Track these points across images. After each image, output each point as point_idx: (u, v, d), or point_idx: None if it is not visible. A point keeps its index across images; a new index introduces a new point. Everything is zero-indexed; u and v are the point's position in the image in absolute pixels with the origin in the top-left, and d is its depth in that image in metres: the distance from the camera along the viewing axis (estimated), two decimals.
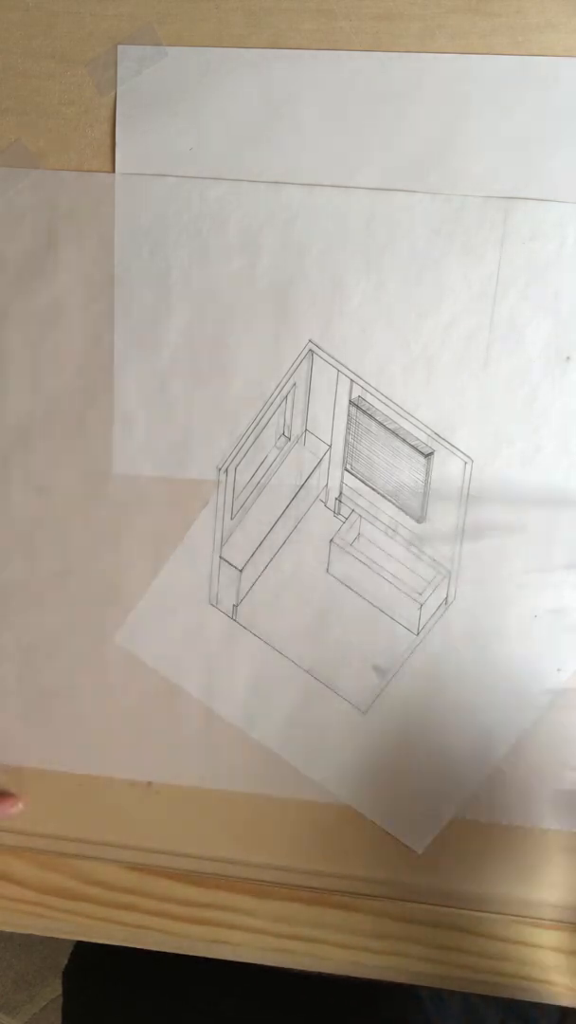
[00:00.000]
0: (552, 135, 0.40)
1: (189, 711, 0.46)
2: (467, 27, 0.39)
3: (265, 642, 0.45)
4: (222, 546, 0.45)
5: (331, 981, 0.52)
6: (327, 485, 0.44)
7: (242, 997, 0.55)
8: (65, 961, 0.65)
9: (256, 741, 0.46)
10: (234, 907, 0.47)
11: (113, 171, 0.41)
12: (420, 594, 0.44)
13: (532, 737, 0.45)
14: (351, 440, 0.43)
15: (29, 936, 1.17)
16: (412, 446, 0.43)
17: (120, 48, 0.40)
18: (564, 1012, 0.58)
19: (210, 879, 0.47)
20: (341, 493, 0.44)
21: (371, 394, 0.43)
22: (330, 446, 0.44)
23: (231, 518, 0.44)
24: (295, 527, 0.44)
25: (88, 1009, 0.59)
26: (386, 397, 0.43)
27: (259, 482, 0.44)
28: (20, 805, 0.47)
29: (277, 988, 0.54)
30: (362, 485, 0.44)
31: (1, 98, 0.42)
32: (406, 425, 0.43)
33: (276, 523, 0.44)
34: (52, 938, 0.50)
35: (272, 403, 0.43)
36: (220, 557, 0.45)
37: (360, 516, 0.44)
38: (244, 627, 0.45)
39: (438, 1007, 0.56)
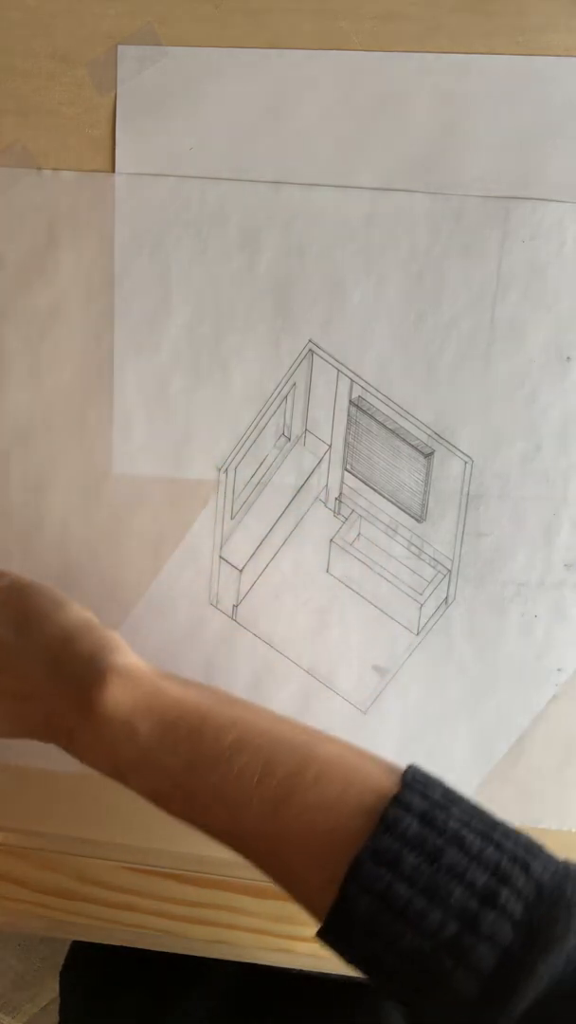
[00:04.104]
0: (552, 135, 0.40)
1: None
2: (467, 27, 0.39)
3: (265, 642, 0.45)
4: (222, 546, 0.45)
5: (328, 981, 0.52)
6: (327, 485, 0.44)
7: (238, 995, 0.54)
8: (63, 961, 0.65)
9: None
10: (234, 907, 0.47)
11: (113, 171, 0.41)
12: (420, 594, 0.44)
13: (532, 737, 0.45)
14: (351, 440, 0.43)
15: (29, 936, 1.17)
16: (412, 446, 0.43)
17: (120, 48, 0.40)
18: None
19: (210, 879, 0.47)
20: (341, 493, 0.44)
21: (371, 394, 0.43)
22: (330, 446, 0.44)
23: (231, 518, 0.44)
24: (295, 527, 0.44)
25: (85, 1009, 0.59)
26: (386, 397, 0.43)
27: (259, 482, 0.44)
28: None
29: (274, 987, 0.54)
30: (362, 485, 0.44)
31: (1, 98, 0.42)
32: (406, 425, 0.43)
33: (276, 523, 0.44)
34: (52, 938, 0.50)
35: (272, 403, 0.43)
36: (220, 557, 0.45)
37: (360, 516, 0.44)
38: (244, 627, 0.45)
39: None
